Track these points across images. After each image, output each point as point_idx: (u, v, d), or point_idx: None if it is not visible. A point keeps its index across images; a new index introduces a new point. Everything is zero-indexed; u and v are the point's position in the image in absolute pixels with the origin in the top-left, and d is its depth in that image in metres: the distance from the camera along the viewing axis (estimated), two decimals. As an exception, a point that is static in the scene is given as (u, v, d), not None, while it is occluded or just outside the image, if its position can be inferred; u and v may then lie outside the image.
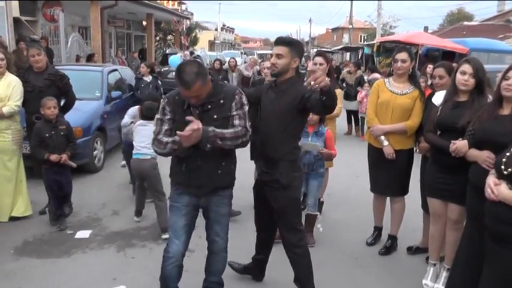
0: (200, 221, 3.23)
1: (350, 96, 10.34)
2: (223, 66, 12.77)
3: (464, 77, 3.37)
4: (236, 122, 2.93)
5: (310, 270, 3.41)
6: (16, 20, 11.69)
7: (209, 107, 2.91)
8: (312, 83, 2.76)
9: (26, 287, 3.68)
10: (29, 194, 5.10)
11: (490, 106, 3.09)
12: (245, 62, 16.10)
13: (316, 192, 4.50)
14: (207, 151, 2.86)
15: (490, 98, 3.29)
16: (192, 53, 20.17)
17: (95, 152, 6.90)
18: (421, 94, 4.09)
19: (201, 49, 30.75)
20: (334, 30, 63.39)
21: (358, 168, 6.47)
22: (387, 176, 4.22)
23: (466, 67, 3.37)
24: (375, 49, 18.15)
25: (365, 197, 5.07)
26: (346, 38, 48.29)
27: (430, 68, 8.37)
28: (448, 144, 3.27)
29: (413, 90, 4.09)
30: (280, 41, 3.26)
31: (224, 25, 68.63)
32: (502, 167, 2.53)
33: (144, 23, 22.56)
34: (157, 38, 25.65)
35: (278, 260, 3.64)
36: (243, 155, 3.83)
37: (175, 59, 14.63)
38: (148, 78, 9.02)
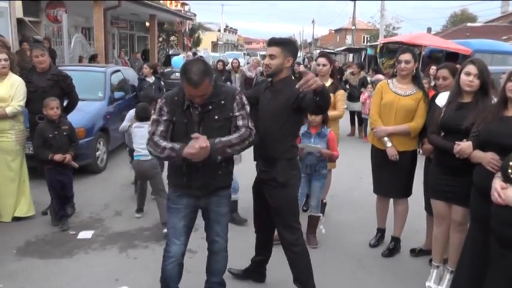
0: (202, 222, 3.22)
1: (353, 97, 10.32)
2: (226, 67, 12.78)
3: (469, 77, 3.35)
4: (240, 122, 2.93)
5: (310, 270, 3.40)
6: (19, 21, 11.75)
7: (210, 107, 2.89)
8: (304, 85, 2.78)
9: (28, 288, 3.68)
10: (32, 195, 5.10)
11: (494, 107, 3.08)
12: (248, 63, 16.09)
13: (319, 194, 4.49)
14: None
15: (494, 99, 3.28)
16: (195, 53, 20.17)
17: (97, 153, 6.91)
18: (424, 95, 4.07)
19: (204, 50, 30.77)
20: (337, 31, 63.37)
21: (361, 169, 6.45)
22: (390, 177, 4.20)
23: (471, 68, 3.35)
24: (378, 50, 18.12)
25: (368, 199, 5.05)
26: (349, 39, 48.24)
27: (433, 69, 8.36)
28: (451, 145, 3.25)
29: (417, 91, 4.08)
30: (273, 42, 3.30)
31: (227, 26, 68.66)
32: (509, 170, 2.51)
33: (147, 24, 22.61)
34: (160, 39, 25.71)
35: (280, 261, 3.62)
36: (244, 155, 3.82)
37: (178, 60, 14.68)
38: (151, 79, 9.02)
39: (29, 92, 4.91)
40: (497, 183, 2.57)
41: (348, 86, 10.76)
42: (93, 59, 12.62)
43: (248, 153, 3.34)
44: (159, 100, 3.02)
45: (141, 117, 5.03)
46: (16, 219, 4.93)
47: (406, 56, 4.05)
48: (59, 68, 5.78)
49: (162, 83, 9.72)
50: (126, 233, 4.77)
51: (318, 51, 31.51)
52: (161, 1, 25.15)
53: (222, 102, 2.92)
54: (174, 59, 16.56)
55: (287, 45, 3.29)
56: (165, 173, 3.35)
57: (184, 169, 2.93)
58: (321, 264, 4.06)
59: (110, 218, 5.16)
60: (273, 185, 3.28)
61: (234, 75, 12.17)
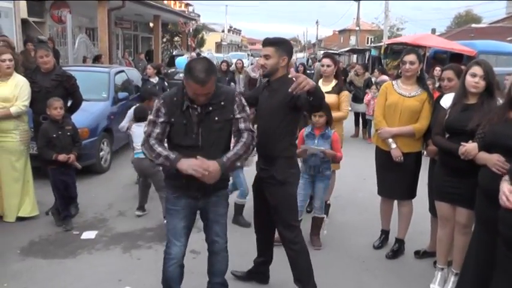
0: (206, 223, 3.22)
1: (358, 98, 10.29)
2: (230, 68, 12.78)
3: (475, 79, 3.33)
4: (241, 125, 2.94)
5: (310, 270, 3.41)
6: (24, 21, 11.77)
7: (210, 108, 2.87)
8: (297, 88, 2.83)
9: (31, 288, 3.69)
10: (36, 195, 5.11)
11: (500, 109, 3.05)
12: (252, 64, 16.09)
13: (323, 195, 4.48)
14: (207, 153, 2.83)
15: (500, 101, 3.26)
16: (198, 54, 20.16)
17: (101, 153, 6.92)
18: (429, 96, 4.06)
19: (208, 51, 30.84)
20: (341, 32, 63.29)
21: (365, 170, 6.43)
22: (395, 179, 4.19)
23: (477, 69, 3.33)
24: (382, 51, 18.09)
25: (372, 200, 5.03)
26: (353, 40, 48.20)
27: (437, 70, 8.34)
28: (456, 147, 3.24)
29: (422, 92, 4.06)
30: (267, 42, 3.33)
31: (231, 27, 68.70)
32: None
33: (151, 24, 22.64)
34: (164, 40, 25.73)
35: (283, 262, 3.61)
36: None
37: (182, 61, 14.69)
38: (154, 80, 9.04)
39: (33, 92, 4.92)
40: (505, 186, 2.54)
41: (352, 87, 10.71)
42: (97, 59, 12.66)
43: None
44: (156, 100, 2.98)
45: (139, 117, 5.19)
46: (20, 219, 4.94)
47: (411, 57, 4.04)
48: (63, 68, 5.79)
49: (166, 83, 9.74)
50: (130, 233, 4.77)
51: (322, 52, 31.46)
52: (165, 2, 25.19)
53: (222, 103, 2.91)
54: (177, 60, 16.57)
55: (281, 44, 3.32)
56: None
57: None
58: (325, 266, 4.05)
59: (114, 218, 5.17)
60: (271, 182, 3.32)
61: (238, 76, 12.17)
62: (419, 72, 4.12)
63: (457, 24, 40.59)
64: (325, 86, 4.94)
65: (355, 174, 6.90)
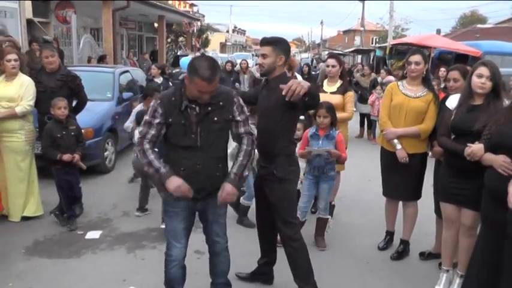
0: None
1: (364, 99, 10.25)
2: (235, 68, 12.77)
3: (481, 80, 3.31)
4: (241, 129, 2.98)
5: (310, 268, 3.40)
6: (29, 22, 11.82)
7: (209, 109, 2.87)
8: (293, 95, 2.93)
9: (36, 287, 3.69)
10: (40, 194, 5.13)
11: (507, 110, 3.03)
12: (256, 64, 16.06)
13: (327, 196, 4.46)
14: (206, 154, 2.86)
15: (506, 101, 3.24)
16: (203, 54, 20.10)
17: (106, 153, 6.94)
18: (435, 97, 4.04)
19: (212, 51, 30.83)
20: (346, 32, 63.26)
21: (370, 171, 6.41)
22: (400, 180, 4.17)
23: (483, 70, 3.31)
24: (387, 51, 18.05)
25: (377, 201, 5.01)
26: (357, 40, 48.10)
27: (442, 71, 8.30)
28: (462, 148, 3.22)
29: (427, 93, 4.04)
30: (264, 41, 3.37)
31: (235, 27, 68.73)
32: None
33: (156, 24, 22.69)
34: (169, 40, 25.76)
35: (287, 263, 3.60)
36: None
37: (186, 61, 14.63)
38: (159, 80, 9.04)
39: (38, 92, 4.93)
40: None
41: (358, 88, 10.66)
42: (101, 59, 12.68)
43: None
44: (153, 101, 2.96)
45: (141, 122, 5.12)
46: (25, 219, 4.96)
47: (416, 58, 4.02)
48: (68, 68, 5.80)
49: (170, 83, 9.73)
50: (134, 233, 4.78)
51: (326, 52, 31.41)
52: (170, 2, 25.23)
53: (221, 103, 2.91)
54: (182, 60, 16.54)
55: (278, 44, 3.34)
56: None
57: (182, 172, 2.88)
58: (329, 267, 4.04)
59: (118, 218, 5.17)
60: (271, 179, 3.35)
61: (242, 76, 12.17)
62: (424, 72, 4.10)
63: (462, 25, 40.44)
64: (330, 87, 4.94)
65: (360, 175, 6.88)
